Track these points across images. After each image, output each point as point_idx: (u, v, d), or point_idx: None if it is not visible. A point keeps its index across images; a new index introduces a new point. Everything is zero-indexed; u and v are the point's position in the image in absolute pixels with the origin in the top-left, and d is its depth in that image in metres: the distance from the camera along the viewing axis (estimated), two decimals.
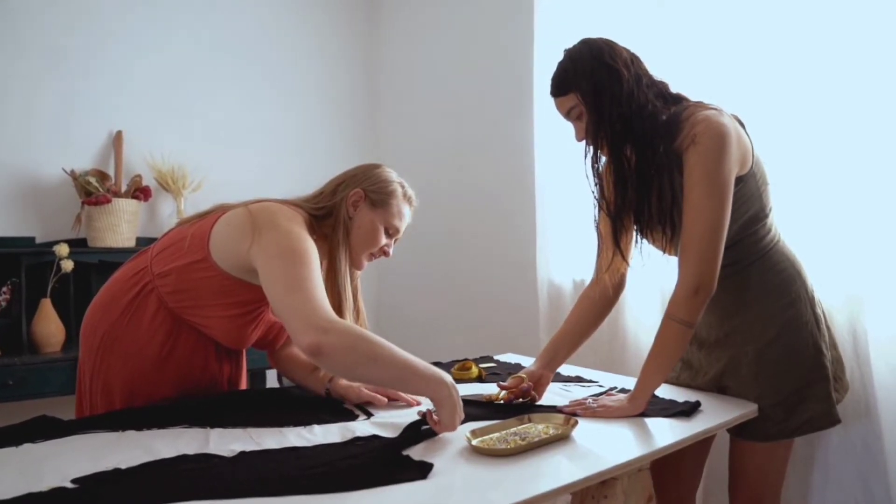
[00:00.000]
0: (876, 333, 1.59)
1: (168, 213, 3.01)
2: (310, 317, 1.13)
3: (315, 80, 3.50)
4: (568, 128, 1.45)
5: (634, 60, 1.38)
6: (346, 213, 1.42)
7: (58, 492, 0.92)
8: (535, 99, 2.56)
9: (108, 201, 2.60)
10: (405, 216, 1.50)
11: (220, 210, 1.37)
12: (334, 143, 3.54)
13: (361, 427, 1.25)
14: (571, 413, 1.31)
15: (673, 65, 1.98)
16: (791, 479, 1.68)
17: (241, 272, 1.29)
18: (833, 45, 1.68)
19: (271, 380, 3.06)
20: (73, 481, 0.95)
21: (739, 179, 1.33)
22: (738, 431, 1.43)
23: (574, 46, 1.40)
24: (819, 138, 1.73)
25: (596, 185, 1.42)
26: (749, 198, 1.37)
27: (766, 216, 1.42)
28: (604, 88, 1.33)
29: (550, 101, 1.45)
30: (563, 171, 2.43)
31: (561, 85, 1.39)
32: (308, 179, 1.68)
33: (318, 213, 1.41)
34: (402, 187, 1.49)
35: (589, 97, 1.35)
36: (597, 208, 1.46)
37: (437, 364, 1.24)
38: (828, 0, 1.70)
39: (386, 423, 1.27)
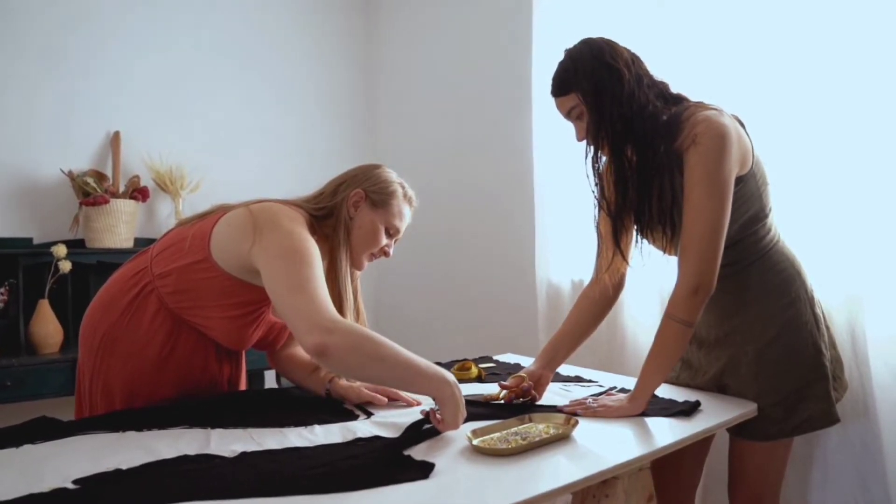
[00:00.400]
0: (874, 333, 1.60)
1: (166, 214, 3.01)
2: (313, 317, 1.13)
3: (313, 81, 3.50)
4: (566, 128, 1.45)
5: (635, 60, 1.38)
6: (346, 213, 1.42)
7: (59, 492, 0.92)
8: (533, 99, 2.57)
9: (106, 202, 2.60)
10: (405, 216, 1.50)
11: (220, 210, 1.36)
12: (332, 144, 3.54)
13: (362, 427, 1.24)
14: (572, 413, 1.31)
15: (673, 65, 1.98)
16: (790, 478, 1.68)
17: (243, 272, 1.29)
18: (833, 45, 1.69)
19: (269, 380, 3.06)
20: (75, 482, 0.95)
21: (739, 179, 1.34)
22: (738, 431, 1.43)
23: (575, 46, 1.40)
24: (819, 138, 1.73)
25: (596, 184, 1.42)
26: (749, 198, 1.37)
27: (766, 216, 1.42)
28: (605, 88, 1.34)
29: (549, 101, 1.45)
30: (561, 171, 2.43)
31: (562, 85, 1.39)
32: (307, 180, 1.68)
33: (319, 213, 1.41)
34: (403, 188, 1.49)
35: (590, 97, 1.35)
36: (597, 208, 1.46)
37: (436, 364, 1.24)
38: (828, 0, 1.70)
39: (387, 423, 1.27)
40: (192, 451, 1.08)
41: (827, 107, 1.71)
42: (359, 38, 3.67)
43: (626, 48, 1.39)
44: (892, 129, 1.59)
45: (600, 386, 1.62)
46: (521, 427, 1.23)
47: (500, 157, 2.90)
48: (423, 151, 3.31)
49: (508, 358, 2.01)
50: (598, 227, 1.51)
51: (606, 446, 1.15)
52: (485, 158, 2.98)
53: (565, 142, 2.32)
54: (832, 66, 1.69)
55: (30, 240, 2.60)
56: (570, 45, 1.42)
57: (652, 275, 1.91)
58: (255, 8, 3.30)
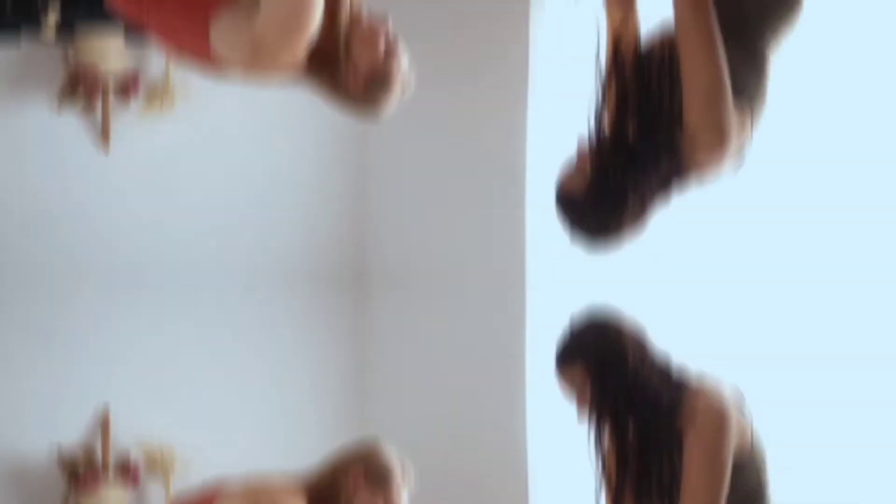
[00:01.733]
0: None
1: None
2: None
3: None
4: None
5: (639, 334, 1.45)
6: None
7: None
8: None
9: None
10: None
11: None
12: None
13: None
14: None
15: None
16: None
17: None
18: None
19: None
20: None
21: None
22: None
23: (579, 318, 1.49)
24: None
25: (598, 459, 1.43)
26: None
27: None
28: (609, 364, 1.44)
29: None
30: None
31: (566, 355, 1.52)
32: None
33: None
34: None
35: (594, 371, 1.44)
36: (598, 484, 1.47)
37: None
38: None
39: None
40: None
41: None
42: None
43: (631, 321, 1.44)
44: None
45: None
46: None
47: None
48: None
49: None
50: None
51: None
52: None
53: None
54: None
55: None
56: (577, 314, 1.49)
57: None
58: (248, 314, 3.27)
